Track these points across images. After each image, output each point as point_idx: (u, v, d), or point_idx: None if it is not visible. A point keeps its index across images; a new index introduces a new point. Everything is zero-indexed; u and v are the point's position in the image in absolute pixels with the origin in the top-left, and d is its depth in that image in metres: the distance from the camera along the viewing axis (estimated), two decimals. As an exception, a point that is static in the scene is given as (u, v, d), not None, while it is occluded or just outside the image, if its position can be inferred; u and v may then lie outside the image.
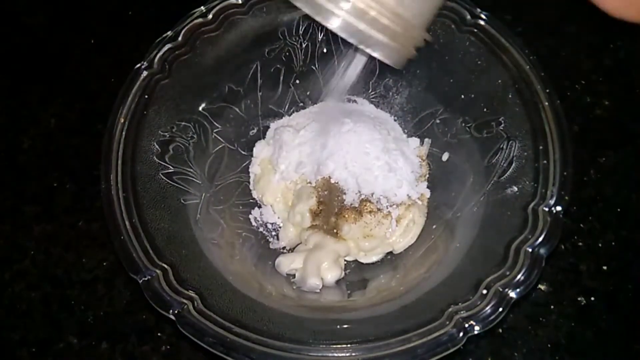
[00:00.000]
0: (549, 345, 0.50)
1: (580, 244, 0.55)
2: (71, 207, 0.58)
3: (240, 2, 0.51)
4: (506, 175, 0.46)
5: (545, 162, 0.44)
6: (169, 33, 0.50)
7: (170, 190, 0.47)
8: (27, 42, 0.70)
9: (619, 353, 0.50)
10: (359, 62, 0.43)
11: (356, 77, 0.45)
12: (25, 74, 0.68)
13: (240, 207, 0.55)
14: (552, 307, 0.52)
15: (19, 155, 0.62)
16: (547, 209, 0.42)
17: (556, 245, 0.41)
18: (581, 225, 0.56)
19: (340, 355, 0.38)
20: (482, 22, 0.50)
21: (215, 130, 0.54)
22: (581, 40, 0.67)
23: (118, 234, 0.42)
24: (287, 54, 0.56)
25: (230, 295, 0.42)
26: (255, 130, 0.58)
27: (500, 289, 0.39)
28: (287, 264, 0.51)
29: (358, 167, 0.52)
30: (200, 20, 0.51)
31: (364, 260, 0.53)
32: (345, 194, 0.52)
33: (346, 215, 0.51)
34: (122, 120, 0.46)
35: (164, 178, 0.47)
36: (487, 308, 0.39)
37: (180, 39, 0.50)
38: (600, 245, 0.55)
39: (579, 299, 0.52)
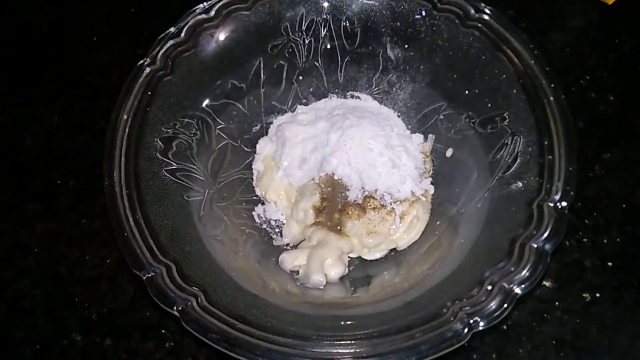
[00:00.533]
0: (553, 342, 0.50)
1: (585, 240, 0.55)
2: (74, 205, 0.58)
3: (242, -3, 0.51)
4: (511, 170, 0.46)
5: (550, 157, 0.44)
6: (172, 29, 0.50)
7: (173, 187, 0.47)
8: (29, 40, 0.70)
9: (624, 349, 0.50)
10: None
11: None
12: (27, 72, 0.68)
13: (244, 204, 0.55)
14: (556, 303, 0.52)
15: (21, 153, 0.62)
16: (552, 205, 0.42)
17: (561, 241, 0.41)
18: (586, 221, 0.56)
19: (344, 351, 0.38)
20: (486, 17, 0.50)
21: (218, 127, 0.53)
22: (586, 36, 0.67)
23: (122, 230, 0.42)
24: (290, 50, 0.56)
25: (234, 292, 0.42)
26: (258, 127, 0.58)
27: (505, 285, 0.39)
28: (290, 260, 0.50)
29: (361, 164, 0.51)
30: (202, 16, 0.51)
31: (367, 257, 0.53)
32: (348, 190, 0.52)
33: (350, 212, 0.51)
34: (125, 117, 0.46)
35: (167, 175, 0.47)
36: (492, 304, 0.38)
37: (182, 35, 0.50)
38: (605, 241, 0.55)
39: (583, 295, 0.52)
